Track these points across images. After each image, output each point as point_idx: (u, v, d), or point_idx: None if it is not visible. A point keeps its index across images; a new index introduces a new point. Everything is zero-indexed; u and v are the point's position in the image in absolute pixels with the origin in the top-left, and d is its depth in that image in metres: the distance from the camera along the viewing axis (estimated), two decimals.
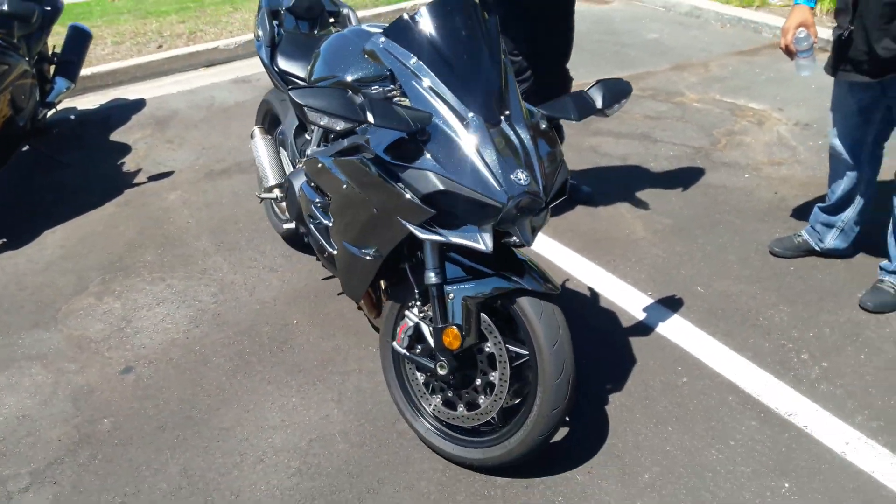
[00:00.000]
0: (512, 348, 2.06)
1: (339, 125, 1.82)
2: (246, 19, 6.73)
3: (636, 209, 3.54)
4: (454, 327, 2.03)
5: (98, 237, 3.65)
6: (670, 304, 2.86)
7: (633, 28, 6.07)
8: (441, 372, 2.12)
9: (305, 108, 1.78)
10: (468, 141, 1.86)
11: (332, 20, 3.10)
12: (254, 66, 5.90)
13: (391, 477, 2.23)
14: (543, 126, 1.99)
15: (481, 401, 2.14)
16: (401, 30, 2.02)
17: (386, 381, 2.39)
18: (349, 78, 2.24)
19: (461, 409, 2.19)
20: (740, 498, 2.09)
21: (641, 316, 2.82)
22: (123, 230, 3.70)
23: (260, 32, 3.02)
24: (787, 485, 2.12)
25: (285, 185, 2.71)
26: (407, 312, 2.20)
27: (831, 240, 2.98)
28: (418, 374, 2.27)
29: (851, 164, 2.78)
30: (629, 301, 2.90)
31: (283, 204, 3.06)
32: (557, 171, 1.97)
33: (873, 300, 2.73)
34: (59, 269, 3.44)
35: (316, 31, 3.07)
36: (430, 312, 2.15)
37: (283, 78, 2.89)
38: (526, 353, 2.05)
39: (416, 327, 2.18)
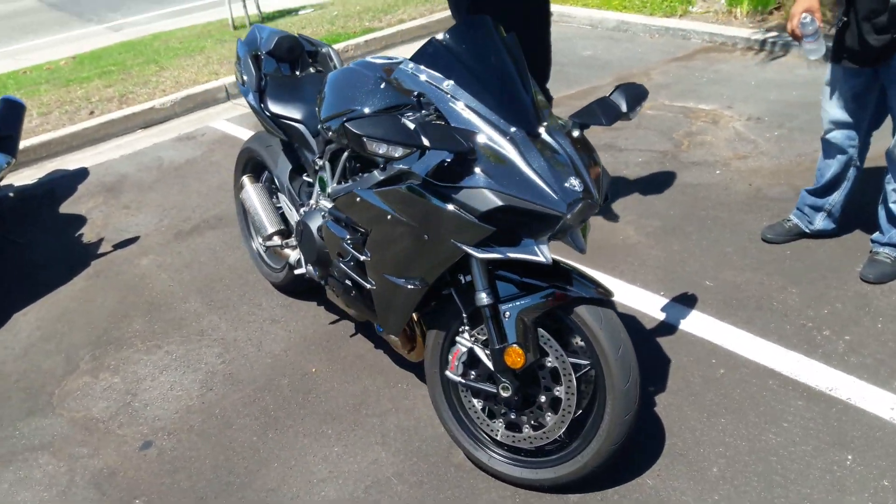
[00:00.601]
0: (572, 360, 2.04)
1: (398, 152, 1.79)
2: (176, 76, 6.58)
3: (623, 215, 3.61)
4: (515, 346, 2.00)
5: (76, 313, 3.46)
6: (685, 301, 2.91)
7: (565, 47, 6.24)
8: (505, 394, 2.09)
9: (364, 138, 1.76)
10: (516, 155, 1.86)
11: (311, 60, 3.06)
12: (195, 123, 5.78)
13: None
14: (577, 133, 2.01)
15: (548, 418, 2.11)
16: (430, 54, 2.02)
17: (438, 415, 2.33)
18: (367, 109, 2.21)
19: (527, 429, 2.16)
20: (810, 476, 2.13)
21: (661, 316, 2.86)
22: (102, 302, 3.51)
23: (245, 78, 2.95)
24: (849, 457, 2.17)
25: (299, 229, 2.64)
26: (458, 338, 2.16)
27: (820, 221, 3.11)
28: (475, 400, 2.23)
29: (844, 149, 2.91)
30: (645, 303, 2.94)
31: (286, 251, 2.97)
32: (601, 175, 1.99)
33: (874, 272, 2.86)
34: (41, 351, 3.22)
35: (298, 73, 3.02)
36: (481, 335, 2.13)
37: (277, 121, 2.83)
38: (586, 362, 2.05)
39: (470, 352, 2.15)
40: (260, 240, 3.23)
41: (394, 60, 2.43)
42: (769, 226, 3.26)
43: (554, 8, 6.88)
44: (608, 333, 1.98)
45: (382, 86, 2.24)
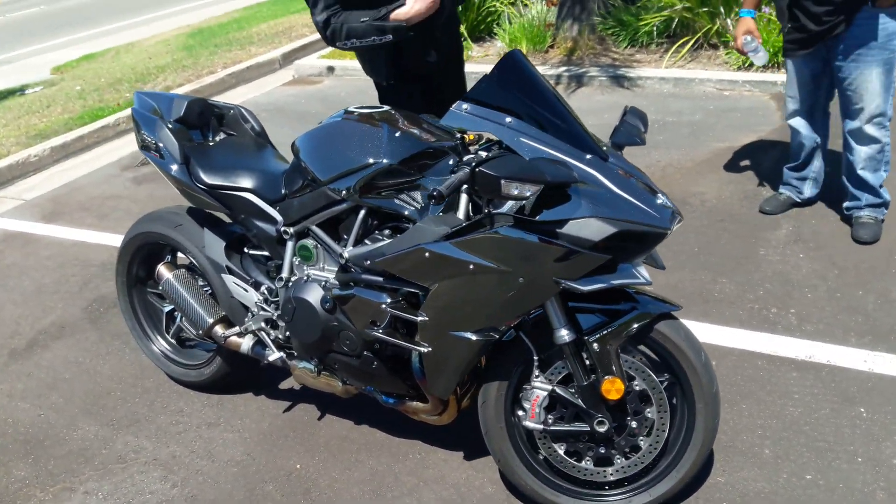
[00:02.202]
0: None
1: (528, 192, 1.65)
2: None
3: None
4: (611, 377, 1.92)
5: None
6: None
7: (366, 98, 6.18)
8: (601, 429, 1.98)
9: (503, 180, 1.64)
10: (604, 180, 1.80)
11: (218, 125, 2.67)
12: None
13: None
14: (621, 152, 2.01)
15: (641, 442, 2.04)
16: (484, 92, 1.89)
17: (507, 471, 2.13)
18: (387, 160, 2.01)
19: (619, 460, 2.06)
20: (844, 434, 2.30)
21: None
22: None
23: (164, 149, 2.49)
24: (862, 410, 2.40)
25: (288, 307, 2.25)
26: (535, 383, 2.01)
27: (808, 189, 3.55)
28: (556, 445, 2.08)
29: (810, 127, 3.38)
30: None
31: (232, 340, 2.52)
32: None
33: (867, 233, 3.27)
34: None
35: (210, 139, 2.61)
36: (554, 376, 2.00)
37: (214, 194, 2.42)
38: (665, 377, 2.03)
39: (551, 395, 2.01)
40: (194, 332, 2.71)
41: (381, 108, 2.24)
42: (766, 199, 3.66)
43: (343, 63, 6.87)
44: (689, 343, 1.98)
45: (398, 134, 2.07)
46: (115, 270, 2.88)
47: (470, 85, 2.14)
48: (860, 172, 3.25)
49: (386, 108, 2.25)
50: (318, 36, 7.89)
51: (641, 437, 2.04)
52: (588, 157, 1.84)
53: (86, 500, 2.43)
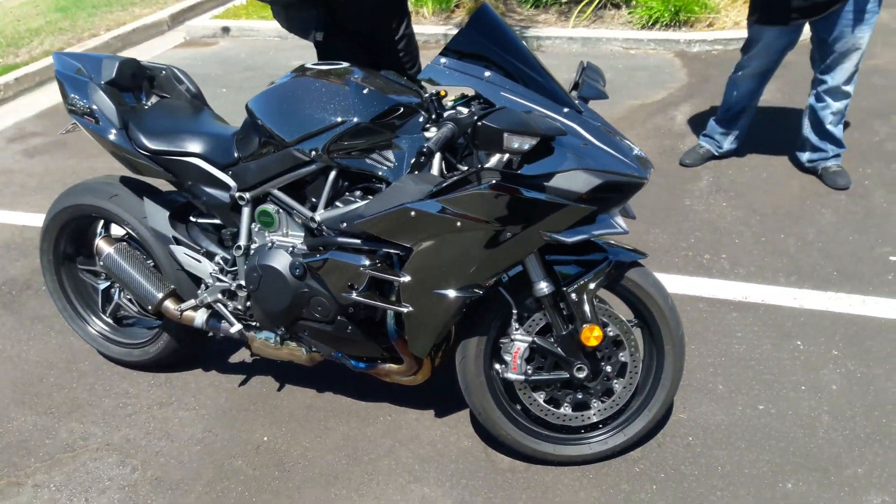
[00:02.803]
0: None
1: (528, 145, 1.65)
2: None
3: None
4: (589, 324, 1.98)
5: None
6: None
7: (269, 59, 6.00)
8: (580, 375, 2.05)
9: (505, 133, 1.63)
10: (583, 132, 1.83)
11: (150, 86, 2.49)
12: None
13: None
14: None
15: (616, 385, 2.12)
16: (461, 45, 1.86)
17: (488, 424, 2.16)
18: (358, 119, 1.95)
19: (596, 403, 2.14)
20: (785, 367, 2.49)
21: None
22: None
23: (99, 113, 2.29)
24: (798, 343, 2.60)
25: (254, 275, 2.16)
26: (514, 336, 2.04)
27: (728, 143, 3.74)
28: (535, 394, 2.12)
29: (757, 89, 3.54)
30: None
31: (187, 314, 2.40)
32: None
33: (843, 181, 3.47)
34: None
35: (144, 102, 2.43)
36: (532, 327, 2.05)
37: (158, 159, 2.27)
38: (635, 321, 2.12)
39: (531, 347, 2.05)
40: (136, 309, 2.56)
41: (339, 65, 2.16)
42: (686, 153, 3.81)
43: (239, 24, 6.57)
44: (655, 288, 2.07)
45: (365, 91, 2.01)
46: (40, 248, 2.66)
47: None
48: (828, 126, 3.45)
49: (345, 64, 2.18)
50: None
51: (616, 381, 2.12)
52: (565, 110, 1.86)
53: (37, 493, 2.27)
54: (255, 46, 6.36)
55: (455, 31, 5.83)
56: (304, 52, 6.16)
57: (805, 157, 3.60)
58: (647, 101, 4.57)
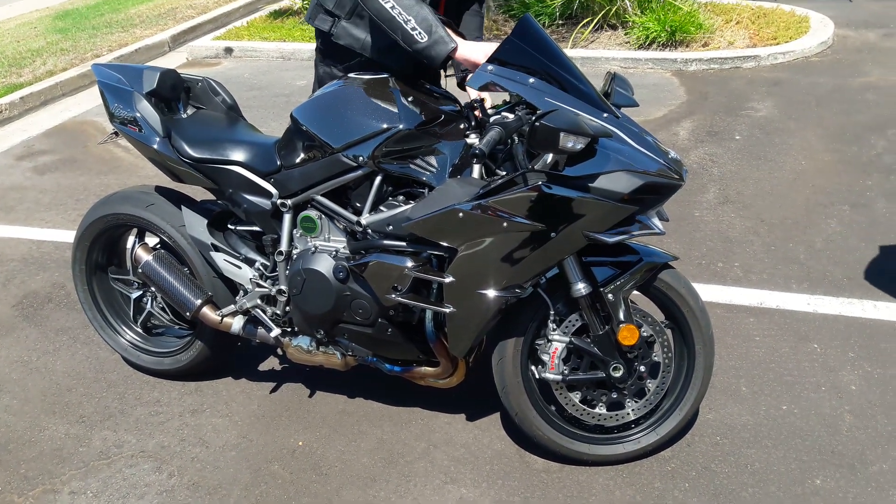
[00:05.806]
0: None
1: (580, 145, 1.73)
2: None
3: None
4: (626, 324, 2.05)
5: None
6: None
7: (273, 79, 6.08)
8: (616, 374, 2.11)
9: (562, 133, 1.70)
10: (623, 136, 1.91)
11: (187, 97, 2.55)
12: None
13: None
14: None
15: (650, 385, 2.18)
16: (506, 54, 1.94)
17: (527, 425, 2.20)
18: (403, 126, 2.03)
19: (630, 403, 2.20)
20: (805, 368, 2.57)
21: None
22: None
23: (144, 124, 2.35)
24: (816, 346, 2.68)
25: (298, 280, 2.21)
26: (552, 337, 2.10)
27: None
28: (571, 394, 2.18)
29: None
30: None
31: (226, 321, 2.44)
32: None
33: None
34: None
35: (182, 113, 2.49)
36: (569, 327, 2.11)
37: (201, 168, 2.33)
38: (667, 321, 2.19)
39: (568, 347, 2.11)
40: (165, 318, 2.60)
41: (381, 75, 2.23)
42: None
43: (241, 44, 6.65)
44: (687, 290, 2.14)
45: (410, 99, 2.09)
46: (73, 258, 2.70)
47: None
48: None
49: (385, 75, 2.25)
50: (206, 17, 7.60)
51: (649, 380, 2.18)
52: (605, 115, 1.94)
53: (74, 500, 2.29)
54: (258, 66, 6.45)
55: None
56: (307, 72, 6.25)
57: None
58: (649, 118, 4.69)
